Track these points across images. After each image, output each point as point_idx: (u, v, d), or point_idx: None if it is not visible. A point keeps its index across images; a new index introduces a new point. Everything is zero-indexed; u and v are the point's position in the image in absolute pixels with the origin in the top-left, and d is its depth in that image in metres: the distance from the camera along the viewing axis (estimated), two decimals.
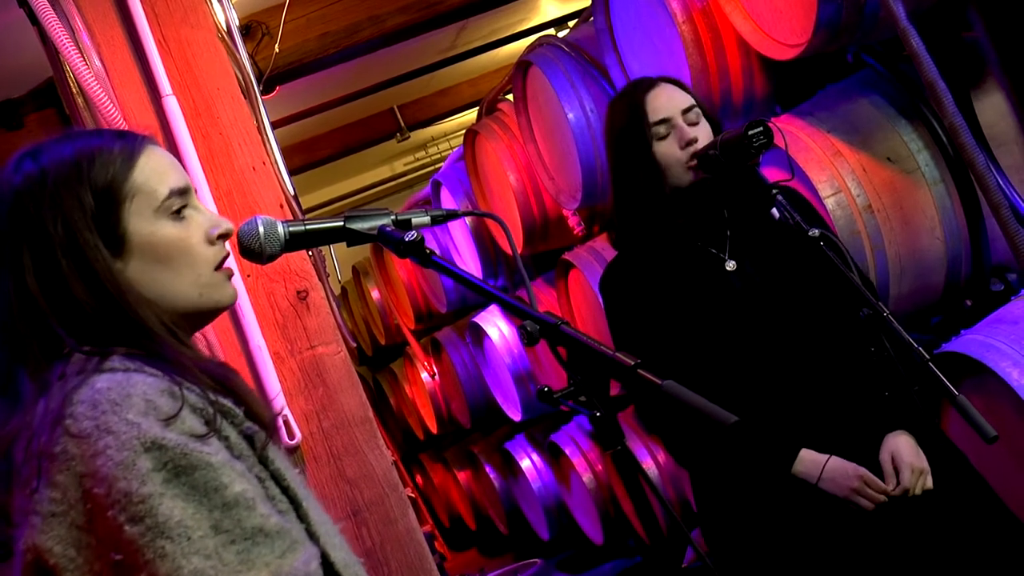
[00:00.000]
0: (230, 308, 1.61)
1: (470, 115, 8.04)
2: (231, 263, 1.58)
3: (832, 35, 2.95)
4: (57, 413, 1.30)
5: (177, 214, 1.51)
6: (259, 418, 1.48)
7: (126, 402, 1.29)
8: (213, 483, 1.30)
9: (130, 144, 1.52)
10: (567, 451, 5.81)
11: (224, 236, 1.56)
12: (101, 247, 1.44)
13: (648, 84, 2.55)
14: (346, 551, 1.50)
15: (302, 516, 1.44)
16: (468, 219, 5.82)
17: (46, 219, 1.43)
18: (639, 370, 1.47)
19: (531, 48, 4.51)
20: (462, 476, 8.33)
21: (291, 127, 6.86)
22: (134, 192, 1.48)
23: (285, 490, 1.44)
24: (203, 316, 1.56)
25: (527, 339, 1.51)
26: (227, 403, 1.43)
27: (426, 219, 1.66)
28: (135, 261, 1.47)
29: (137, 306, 1.43)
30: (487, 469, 7.50)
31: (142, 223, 1.48)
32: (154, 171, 1.51)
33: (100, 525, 1.27)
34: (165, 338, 1.44)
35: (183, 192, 1.53)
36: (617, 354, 1.49)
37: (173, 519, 1.26)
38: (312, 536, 1.43)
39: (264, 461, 1.44)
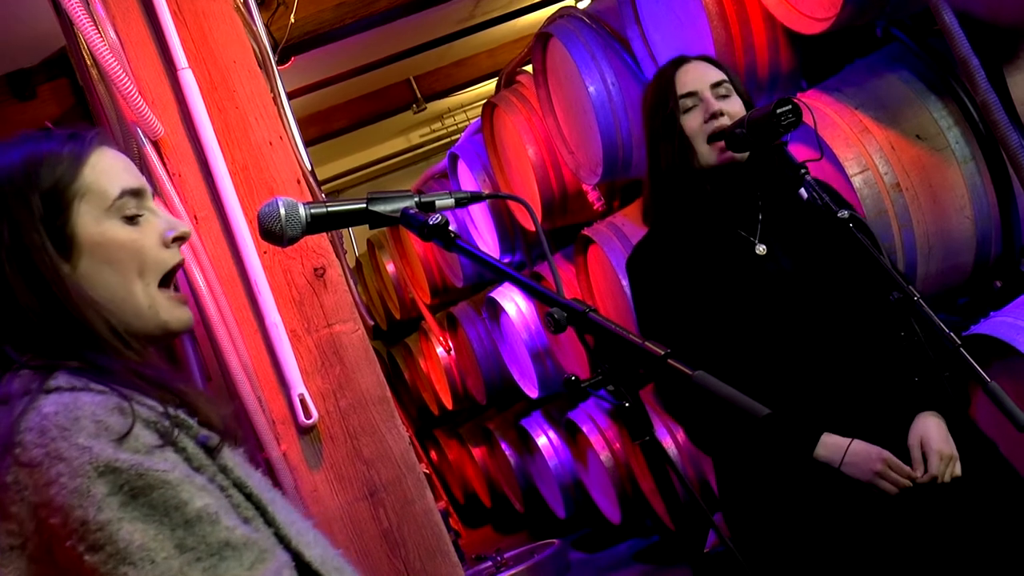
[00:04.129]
0: (180, 334, 1.55)
1: (488, 86, 7.99)
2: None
3: (861, 8, 2.90)
4: (5, 441, 1.26)
5: (132, 220, 1.47)
6: (214, 425, 1.43)
7: (75, 425, 1.25)
8: (173, 501, 1.26)
9: (80, 145, 1.48)
10: (584, 429, 5.78)
11: (180, 239, 1.51)
12: (48, 248, 1.40)
13: (681, 61, 2.55)
14: (322, 546, 1.46)
15: (269, 520, 1.40)
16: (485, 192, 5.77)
17: None
18: (669, 360, 1.42)
19: (551, 20, 4.46)
20: (477, 453, 8.32)
21: (306, 98, 6.84)
22: (83, 192, 1.44)
23: (248, 496, 1.40)
24: (148, 338, 1.50)
25: (554, 327, 1.47)
26: (180, 414, 1.39)
27: (450, 201, 1.63)
28: (84, 262, 1.43)
29: (84, 309, 1.39)
30: (503, 446, 7.48)
31: (91, 223, 1.44)
32: (104, 171, 1.47)
33: (60, 556, 1.24)
34: (113, 343, 1.40)
35: (137, 193, 1.49)
36: (646, 343, 1.45)
37: (134, 543, 1.22)
38: (282, 539, 1.39)
39: (224, 470, 1.39)
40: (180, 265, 1.52)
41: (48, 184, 1.42)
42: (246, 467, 1.45)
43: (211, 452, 1.39)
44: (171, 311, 1.50)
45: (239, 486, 1.40)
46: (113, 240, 1.44)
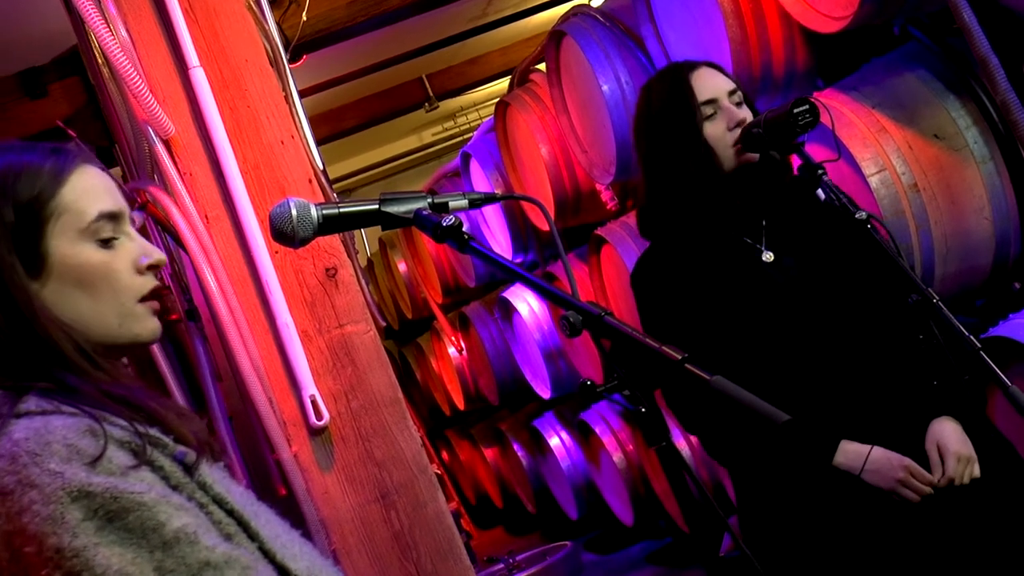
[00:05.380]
0: (150, 344, 1.53)
1: (500, 85, 7.97)
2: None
3: (879, 7, 2.87)
4: None
5: (106, 243, 1.44)
6: (188, 441, 1.40)
7: (46, 451, 1.23)
8: (150, 523, 1.24)
9: (62, 161, 1.45)
10: (597, 430, 5.76)
11: (154, 267, 1.49)
12: (17, 265, 1.37)
13: (690, 66, 2.49)
14: (310, 558, 1.44)
15: (252, 535, 1.38)
16: (498, 192, 5.75)
17: None
18: (687, 364, 1.40)
19: (565, 18, 4.43)
20: (489, 453, 8.31)
21: (318, 96, 6.83)
22: (60, 211, 1.41)
23: (230, 512, 1.38)
24: (120, 348, 1.48)
25: (570, 330, 1.45)
26: (154, 432, 1.36)
27: (464, 202, 1.61)
28: (53, 283, 1.40)
29: (50, 328, 1.37)
30: (515, 447, 7.47)
31: (65, 244, 1.41)
32: (85, 191, 1.44)
33: None
34: (80, 363, 1.38)
35: (114, 217, 1.46)
36: (664, 347, 1.42)
37: (112, 568, 1.20)
38: (267, 553, 1.38)
39: (203, 486, 1.37)
40: (157, 290, 1.50)
41: (25, 197, 1.39)
42: (226, 482, 1.43)
43: (189, 469, 1.37)
44: (143, 323, 1.47)
45: (219, 502, 1.38)
46: (85, 263, 1.42)
